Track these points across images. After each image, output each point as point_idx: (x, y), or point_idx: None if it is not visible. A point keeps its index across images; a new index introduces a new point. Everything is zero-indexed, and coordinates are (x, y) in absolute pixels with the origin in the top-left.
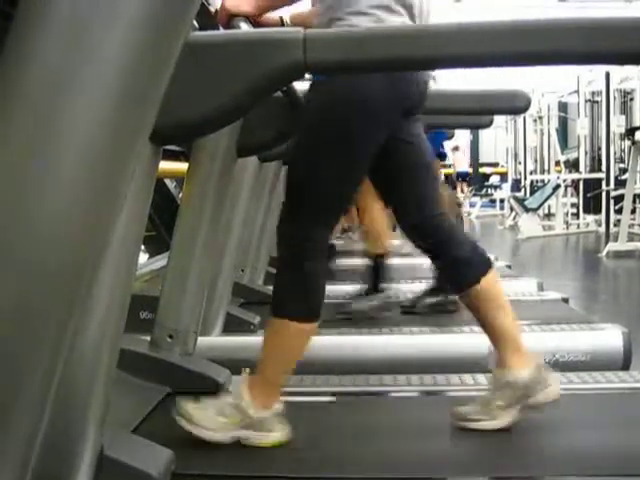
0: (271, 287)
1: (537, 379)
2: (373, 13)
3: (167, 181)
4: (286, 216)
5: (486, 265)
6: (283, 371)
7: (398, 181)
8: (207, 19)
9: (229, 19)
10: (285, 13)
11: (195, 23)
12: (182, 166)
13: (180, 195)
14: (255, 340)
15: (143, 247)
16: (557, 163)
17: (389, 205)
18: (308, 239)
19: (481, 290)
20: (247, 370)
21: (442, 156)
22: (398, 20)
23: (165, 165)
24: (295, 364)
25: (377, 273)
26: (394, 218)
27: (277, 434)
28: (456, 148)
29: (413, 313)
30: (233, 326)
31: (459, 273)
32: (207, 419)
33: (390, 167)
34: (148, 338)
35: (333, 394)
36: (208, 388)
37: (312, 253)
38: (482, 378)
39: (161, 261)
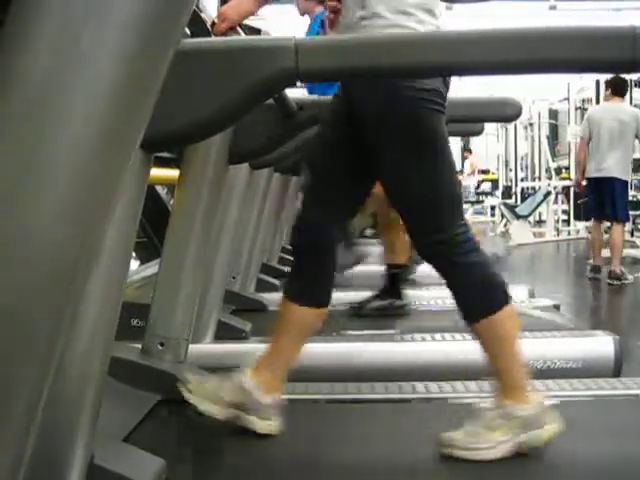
0: (262, 294)
1: None
2: (414, 13)
3: (158, 188)
4: (430, 236)
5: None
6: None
7: None
8: (199, 26)
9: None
10: None
11: (187, 30)
12: (173, 173)
13: (171, 202)
14: (247, 347)
15: (134, 254)
16: (547, 170)
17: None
18: (457, 238)
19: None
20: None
21: None
22: (434, 23)
23: (156, 172)
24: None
25: (394, 281)
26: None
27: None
28: (469, 151)
29: (360, 315)
30: (224, 333)
31: None
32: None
33: None
34: (139, 346)
35: (327, 401)
36: None
37: (469, 249)
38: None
39: (152, 268)
